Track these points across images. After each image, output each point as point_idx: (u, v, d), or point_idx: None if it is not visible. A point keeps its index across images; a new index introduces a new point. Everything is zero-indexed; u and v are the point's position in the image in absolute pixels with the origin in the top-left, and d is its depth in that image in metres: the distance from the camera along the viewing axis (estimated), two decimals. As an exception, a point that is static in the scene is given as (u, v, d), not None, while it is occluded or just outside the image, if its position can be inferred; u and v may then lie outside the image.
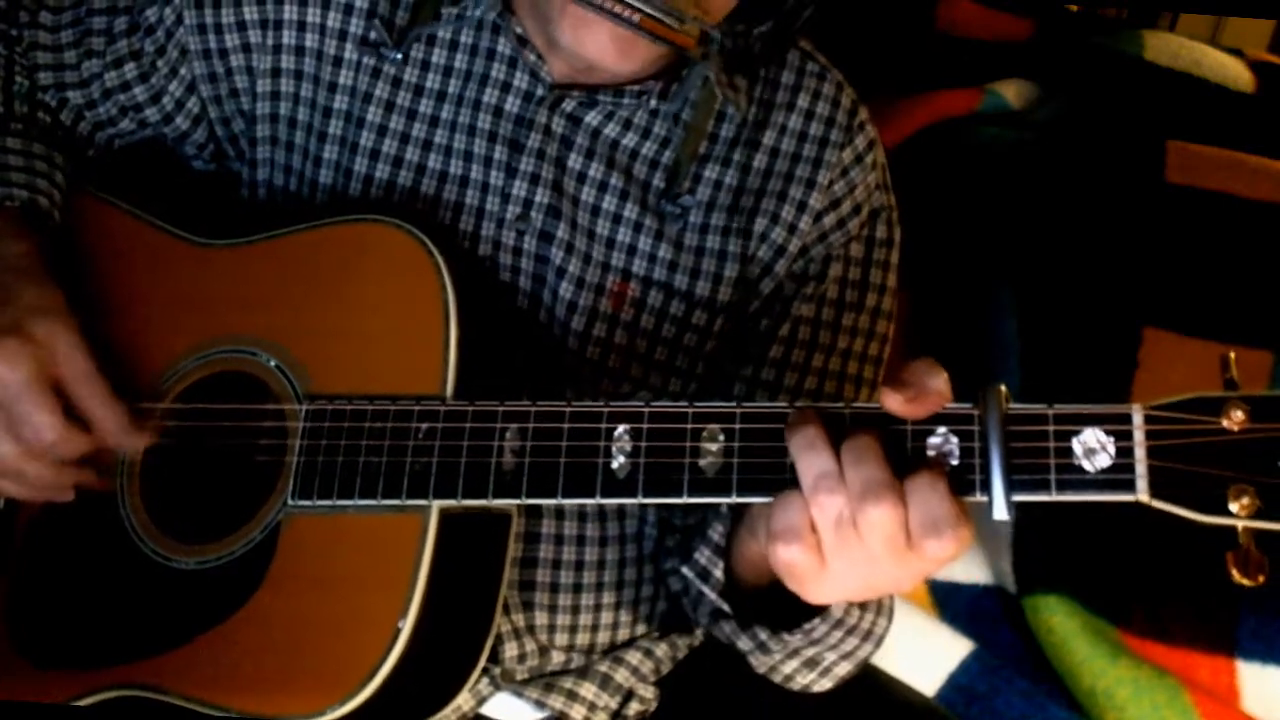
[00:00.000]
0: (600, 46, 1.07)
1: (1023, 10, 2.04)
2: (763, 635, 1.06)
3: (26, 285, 1.05)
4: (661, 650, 1.23)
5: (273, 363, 1.07)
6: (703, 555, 1.08)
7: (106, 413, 1.04)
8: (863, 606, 1.05)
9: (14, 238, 1.09)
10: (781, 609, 1.02)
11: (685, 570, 1.10)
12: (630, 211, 1.18)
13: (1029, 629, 1.53)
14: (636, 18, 1.02)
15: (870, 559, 0.84)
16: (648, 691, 1.22)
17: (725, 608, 1.08)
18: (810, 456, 0.85)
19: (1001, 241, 1.73)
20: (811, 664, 1.09)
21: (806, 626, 1.02)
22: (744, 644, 1.08)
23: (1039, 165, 1.78)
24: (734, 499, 0.91)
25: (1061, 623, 1.49)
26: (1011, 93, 1.92)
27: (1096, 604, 1.51)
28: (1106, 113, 1.84)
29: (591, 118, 1.17)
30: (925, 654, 1.54)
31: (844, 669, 1.10)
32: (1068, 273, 1.68)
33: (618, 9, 1.02)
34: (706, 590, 1.08)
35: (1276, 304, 1.62)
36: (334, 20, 1.19)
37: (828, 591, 0.89)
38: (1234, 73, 1.92)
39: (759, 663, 1.10)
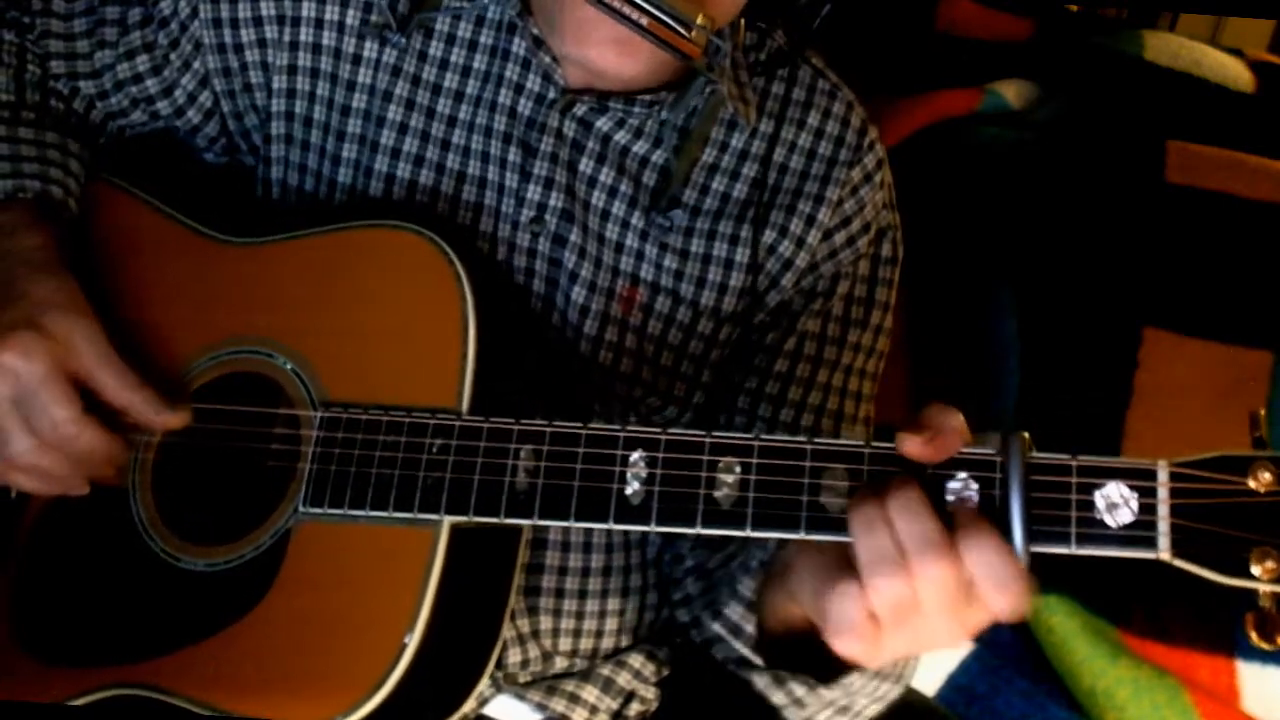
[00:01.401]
0: (601, 48, 1.06)
1: (1023, 10, 2.04)
2: (799, 691, 1.06)
3: (42, 278, 1.04)
4: (664, 653, 1.23)
5: (288, 365, 1.07)
6: (734, 612, 1.08)
7: (135, 395, 1.04)
8: None
9: (29, 230, 1.08)
10: (811, 657, 1.02)
11: (716, 626, 1.10)
12: (637, 218, 1.18)
13: (1029, 629, 1.54)
14: (644, 20, 1.01)
15: (927, 623, 0.84)
16: (649, 692, 1.22)
17: (759, 661, 1.08)
18: (868, 536, 0.84)
19: (1001, 241, 1.73)
20: (844, 710, 1.09)
21: (845, 681, 1.02)
22: (779, 699, 1.08)
23: (1039, 165, 1.79)
24: (748, 533, 0.90)
25: (1061, 623, 1.50)
26: (1011, 93, 1.92)
27: (1096, 604, 1.51)
28: (1106, 113, 1.85)
29: (602, 123, 1.17)
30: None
31: (873, 710, 1.10)
32: (1068, 273, 1.69)
33: (625, 9, 1.01)
34: (739, 645, 1.08)
35: (1276, 304, 1.63)
36: (352, 17, 1.18)
37: (881, 660, 0.88)
38: (1234, 73, 1.92)
39: (794, 716, 1.09)
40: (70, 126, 1.24)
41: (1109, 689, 1.45)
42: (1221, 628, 1.49)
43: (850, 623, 0.84)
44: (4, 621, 1.09)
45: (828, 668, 1.03)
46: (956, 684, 1.53)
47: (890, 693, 1.08)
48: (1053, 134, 1.84)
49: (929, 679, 1.53)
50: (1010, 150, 1.83)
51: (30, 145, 1.16)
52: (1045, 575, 1.50)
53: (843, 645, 0.85)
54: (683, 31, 1.01)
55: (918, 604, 0.83)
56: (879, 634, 0.84)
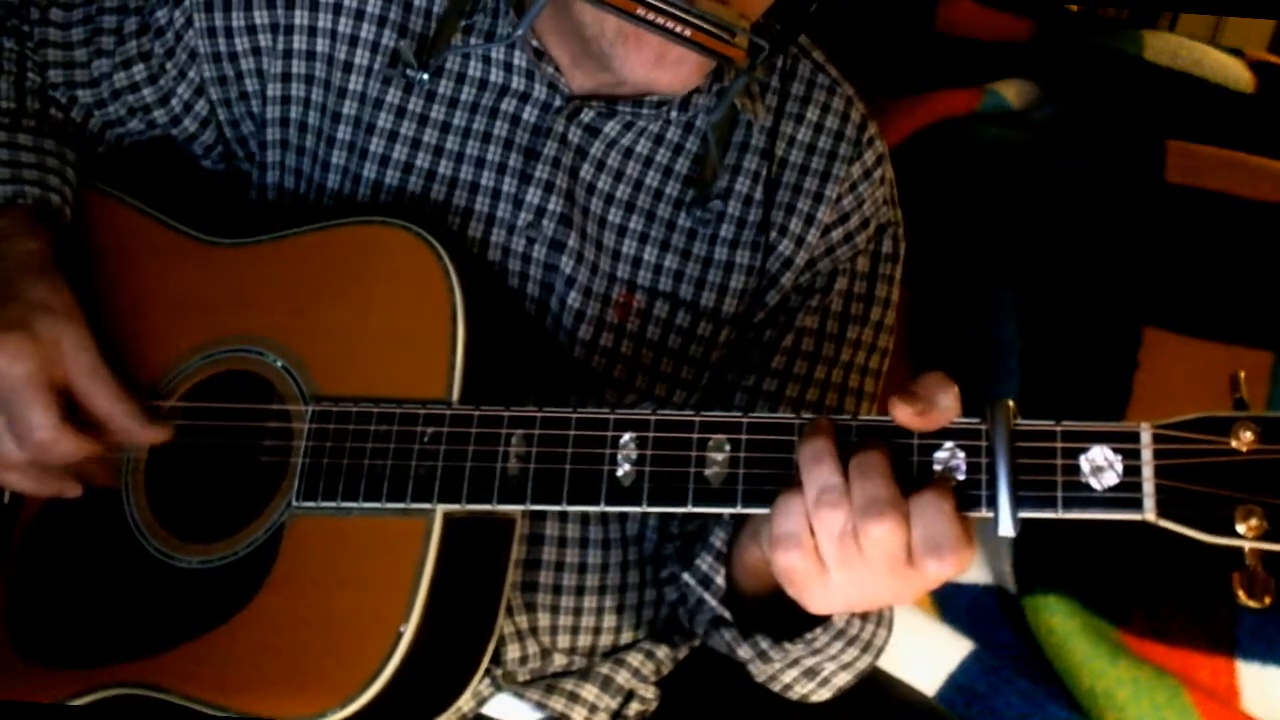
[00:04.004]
0: (679, 77, 1.06)
1: (1023, 10, 2.04)
2: (764, 644, 1.06)
3: (35, 282, 1.05)
4: (662, 652, 1.23)
5: (279, 363, 1.07)
6: (704, 562, 1.08)
7: (116, 408, 1.04)
8: (864, 617, 1.05)
9: (25, 235, 1.09)
10: (782, 618, 1.03)
11: (686, 577, 1.10)
12: (637, 223, 1.18)
13: (1029, 629, 1.53)
14: (688, 32, 1.00)
15: (871, 573, 0.84)
16: (648, 692, 1.22)
17: (726, 615, 1.08)
18: (815, 469, 0.85)
19: (1002, 242, 1.73)
20: (811, 674, 1.09)
21: (809, 636, 1.03)
22: (744, 652, 1.08)
23: (1039, 165, 1.78)
24: (739, 509, 0.91)
25: (1061, 623, 1.49)
26: (1011, 93, 1.92)
27: (1096, 604, 1.51)
28: (1106, 113, 1.85)
29: (610, 128, 1.17)
30: (925, 654, 1.54)
31: (843, 679, 1.10)
32: (1068, 273, 1.68)
33: (670, 24, 1.00)
34: (708, 597, 1.08)
35: (1276, 304, 1.62)
36: (345, 26, 1.19)
37: (827, 601, 0.89)
38: (1234, 73, 1.92)
39: (758, 671, 1.10)
40: (68, 135, 1.24)
41: (1109, 689, 1.45)
42: (1221, 628, 1.48)
43: (789, 533, 0.86)
44: (0, 624, 1.09)
45: (797, 630, 1.03)
46: (956, 684, 1.53)
47: (860, 661, 1.08)
48: (1053, 134, 1.84)
49: (929, 679, 1.53)
50: (1010, 150, 1.82)
51: (30, 152, 1.16)
52: (1045, 575, 1.52)
53: (783, 559, 0.86)
54: (726, 37, 1.01)
55: (861, 550, 0.84)
56: (819, 555, 0.85)
